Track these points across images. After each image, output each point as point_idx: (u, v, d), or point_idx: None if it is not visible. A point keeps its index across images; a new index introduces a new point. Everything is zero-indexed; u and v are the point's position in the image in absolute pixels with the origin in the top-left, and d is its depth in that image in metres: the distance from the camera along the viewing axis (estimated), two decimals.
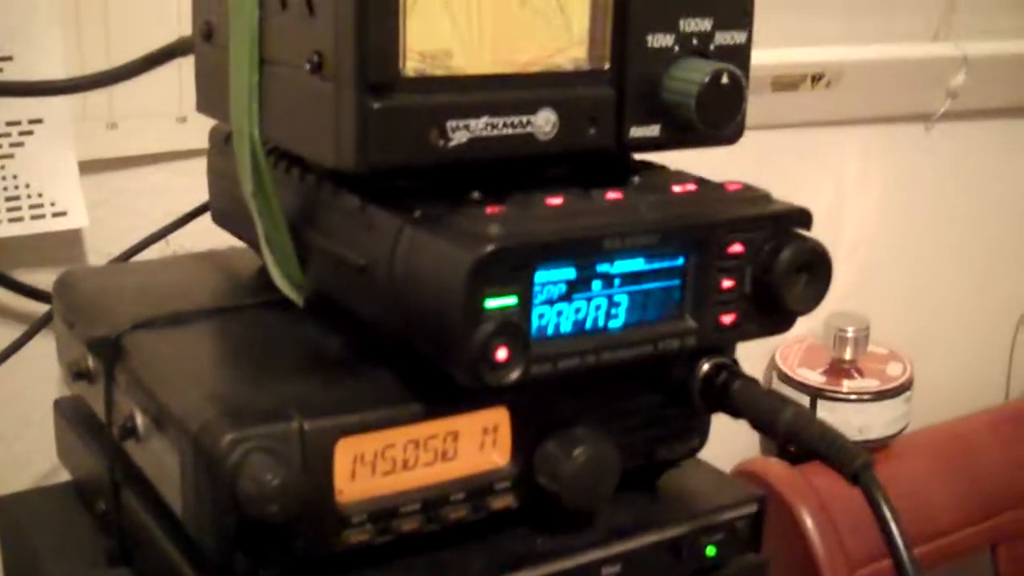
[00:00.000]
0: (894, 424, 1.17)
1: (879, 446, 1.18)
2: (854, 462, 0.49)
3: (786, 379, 1.17)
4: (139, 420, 0.55)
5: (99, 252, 0.85)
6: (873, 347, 1.21)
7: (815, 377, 1.17)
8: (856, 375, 1.18)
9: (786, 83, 1.16)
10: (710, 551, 0.60)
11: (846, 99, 1.20)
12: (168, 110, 0.85)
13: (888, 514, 0.47)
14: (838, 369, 1.19)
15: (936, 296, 1.37)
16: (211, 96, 0.63)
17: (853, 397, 1.15)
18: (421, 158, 0.50)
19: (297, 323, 0.59)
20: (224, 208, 0.67)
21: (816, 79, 1.17)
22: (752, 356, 1.18)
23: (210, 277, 0.69)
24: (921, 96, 1.27)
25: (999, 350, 1.46)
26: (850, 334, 1.18)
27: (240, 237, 0.67)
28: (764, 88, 1.14)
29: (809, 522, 1.08)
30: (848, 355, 1.19)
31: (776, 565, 1.09)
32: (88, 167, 0.83)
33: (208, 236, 0.79)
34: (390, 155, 0.50)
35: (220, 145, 0.66)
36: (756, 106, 1.12)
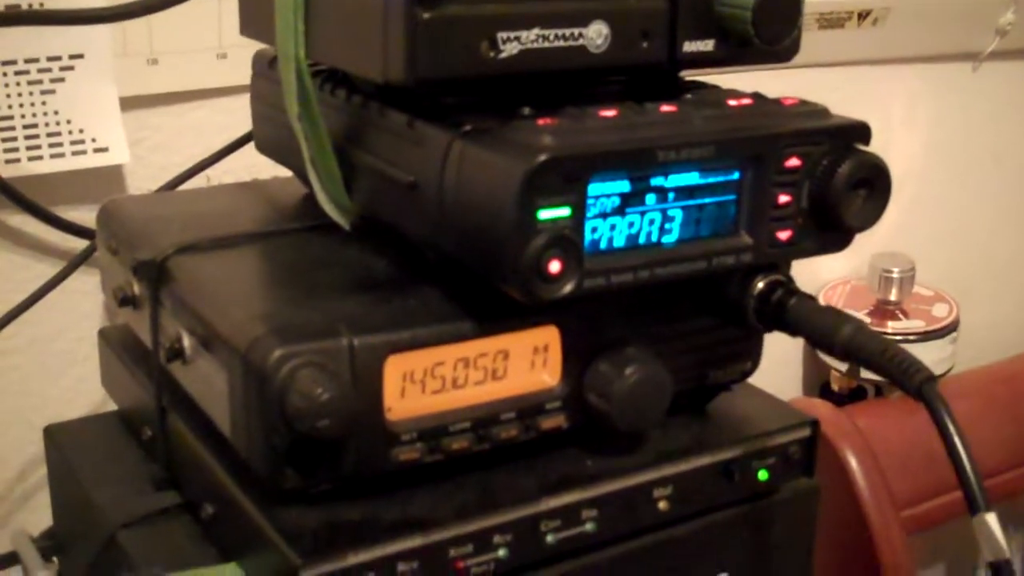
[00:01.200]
0: (940, 365, 1.16)
1: None
2: (916, 376, 0.48)
3: None
4: (186, 342, 0.55)
5: (140, 189, 0.85)
6: (918, 288, 1.20)
7: (861, 318, 1.16)
8: (901, 316, 1.17)
9: (833, 20, 1.13)
10: (762, 475, 0.59)
11: (893, 37, 1.17)
12: (208, 46, 0.84)
13: (951, 427, 0.46)
14: (883, 310, 1.17)
15: (982, 237, 1.35)
16: (255, 18, 0.62)
17: (899, 338, 1.14)
18: (472, 70, 0.49)
19: (344, 246, 0.59)
20: (268, 135, 0.67)
21: (863, 16, 1.15)
22: None
23: (255, 204, 0.69)
24: (969, 34, 1.24)
25: None
26: (895, 275, 1.17)
27: (285, 164, 0.66)
28: (811, 25, 1.12)
29: (854, 463, 1.06)
30: (893, 296, 1.17)
31: (821, 505, 1.09)
32: (129, 103, 0.83)
33: (248, 173, 0.79)
34: (440, 67, 0.49)
35: (264, 69, 0.66)
36: (803, 43, 1.11)
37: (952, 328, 1.17)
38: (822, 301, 1.16)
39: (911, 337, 1.14)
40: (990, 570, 0.46)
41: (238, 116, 0.77)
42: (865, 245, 1.24)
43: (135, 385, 0.64)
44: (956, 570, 1.38)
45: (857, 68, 1.18)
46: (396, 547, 0.50)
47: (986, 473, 1.22)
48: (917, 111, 1.25)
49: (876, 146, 1.24)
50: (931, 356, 1.15)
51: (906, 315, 1.17)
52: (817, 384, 1.23)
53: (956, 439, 0.46)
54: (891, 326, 1.15)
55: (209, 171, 0.84)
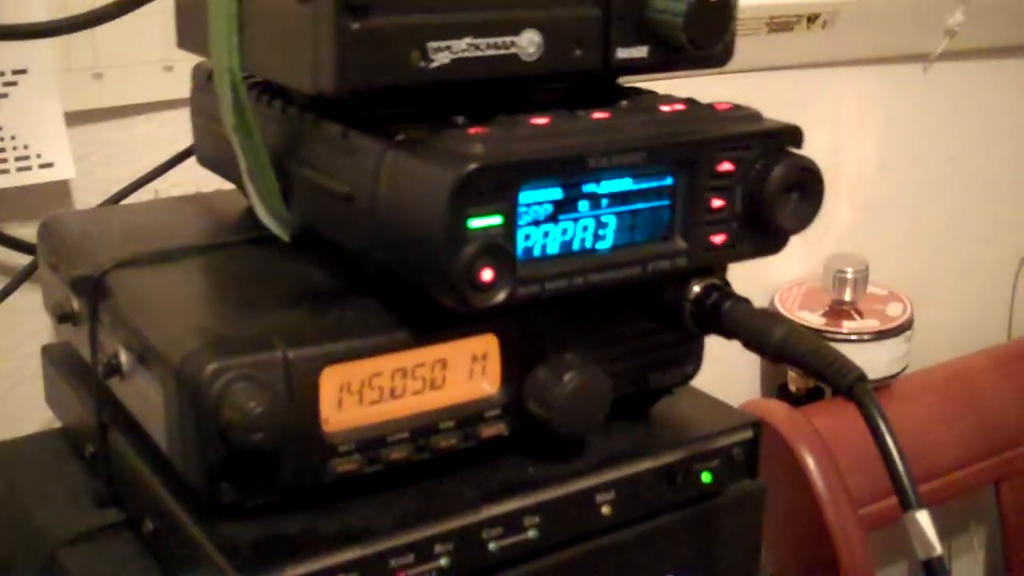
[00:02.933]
0: (895, 364, 1.17)
1: (881, 386, 1.18)
2: (848, 376, 0.48)
3: None
4: (123, 357, 0.54)
5: (87, 204, 0.84)
6: (873, 288, 1.20)
7: (815, 319, 1.16)
8: (856, 316, 1.18)
9: (782, 24, 1.14)
10: (706, 477, 0.59)
11: (842, 39, 1.18)
12: (154, 59, 0.84)
13: (883, 426, 0.46)
14: (838, 311, 1.18)
15: (936, 237, 1.36)
16: (191, 31, 0.62)
17: (853, 338, 1.15)
18: (403, 79, 0.49)
19: (283, 258, 0.59)
20: (208, 148, 0.66)
21: (812, 19, 1.15)
22: (751, 299, 1.17)
23: (196, 217, 0.68)
24: (918, 36, 1.25)
25: (1001, 290, 1.45)
26: (849, 275, 1.18)
27: (225, 176, 0.66)
28: (760, 29, 1.12)
29: (811, 462, 1.07)
30: (848, 296, 1.18)
31: (778, 505, 1.09)
32: (74, 118, 0.82)
33: (197, 187, 0.78)
34: (370, 77, 0.49)
35: (203, 82, 0.65)
36: (752, 48, 1.12)
37: (907, 327, 1.17)
38: (777, 303, 1.18)
39: (866, 337, 1.15)
40: (923, 568, 0.46)
41: (186, 129, 0.76)
42: (820, 247, 1.25)
43: (77, 402, 0.63)
44: (917, 567, 1.39)
45: (808, 71, 1.19)
46: (335, 559, 0.50)
47: (943, 470, 1.24)
48: (869, 112, 1.26)
49: (828, 148, 1.26)
50: (886, 355, 1.16)
51: (861, 315, 1.18)
52: (775, 386, 1.24)
53: (887, 437, 0.46)
54: (846, 326, 1.16)
55: (157, 185, 0.83)
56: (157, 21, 0.82)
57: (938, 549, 0.45)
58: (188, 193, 0.78)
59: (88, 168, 0.84)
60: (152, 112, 0.86)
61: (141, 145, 0.85)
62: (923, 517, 0.45)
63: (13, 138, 0.79)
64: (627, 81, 0.60)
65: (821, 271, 1.20)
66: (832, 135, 1.23)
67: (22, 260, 0.81)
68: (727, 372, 1.20)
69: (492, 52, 0.51)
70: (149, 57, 0.84)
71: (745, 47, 1.10)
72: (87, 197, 0.84)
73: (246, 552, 0.49)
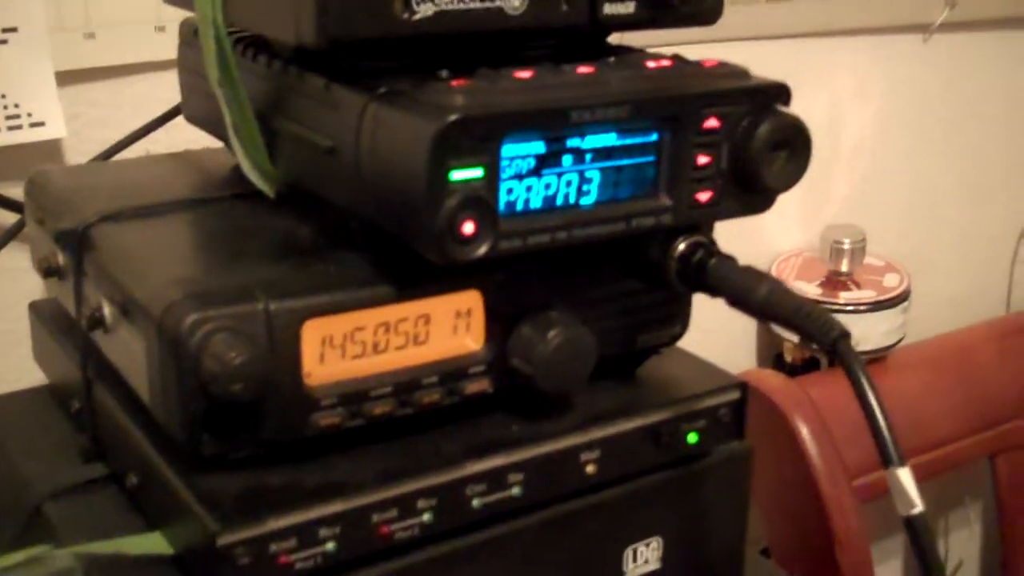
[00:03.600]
0: (891, 335, 1.17)
1: (877, 358, 1.17)
2: (831, 332, 0.48)
3: None
4: (106, 310, 0.54)
5: (77, 164, 0.84)
6: (870, 259, 1.20)
7: (811, 289, 1.16)
8: (853, 287, 1.17)
9: None
10: (692, 438, 0.59)
11: (842, 9, 1.17)
12: (146, 19, 0.84)
13: (865, 382, 0.46)
14: (835, 281, 1.18)
15: (935, 208, 1.35)
16: None
17: (849, 308, 1.14)
18: (385, 31, 0.49)
19: (268, 213, 0.58)
20: (195, 104, 0.66)
21: None
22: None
23: (183, 174, 0.68)
24: (919, 5, 1.24)
25: (1000, 262, 1.44)
26: (846, 246, 1.17)
27: (212, 133, 0.66)
28: None
29: (805, 432, 1.07)
30: (844, 267, 1.17)
31: (772, 476, 1.09)
32: (65, 78, 0.82)
33: (188, 146, 0.78)
34: (352, 28, 0.48)
35: (189, 38, 0.65)
36: (750, 16, 1.11)
37: (903, 298, 1.17)
38: (774, 273, 1.17)
39: (862, 307, 1.15)
40: (904, 525, 0.46)
41: (178, 90, 0.76)
42: (817, 217, 1.25)
43: (63, 357, 0.63)
44: None
45: (806, 40, 1.18)
46: (318, 512, 0.50)
47: (938, 442, 1.24)
48: (868, 83, 1.25)
49: (827, 118, 1.25)
50: (882, 326, 1.16)
51: (857, 285, 1.18)
52: (771, 356, 1.23)
53: (870, 393, 0.46)
54: (843, 297, 1.16)
55: (149, 145, 0.83)
56: None
57: (919, 505, 0.45)
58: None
59: (78, 128, 0.84)
60: (143, 72, 0.86)
61: (132, 105, 0.85)
62: (904, 474, 0.45)
63: (3, 96, 0.79)
64: (619, 40, 0.60)
65: (818, 241, 1.20)
66: (831, 105, 1.23)
67: (13, 219, 0.80)
68: (722, 342, 1.19)
69: (476, 5, 0.50)
70: (140, 17, 0.83)
71: (743, 15, 1.11)
72: (78, 157, 0.84)
73: (228, 505, 0.49)
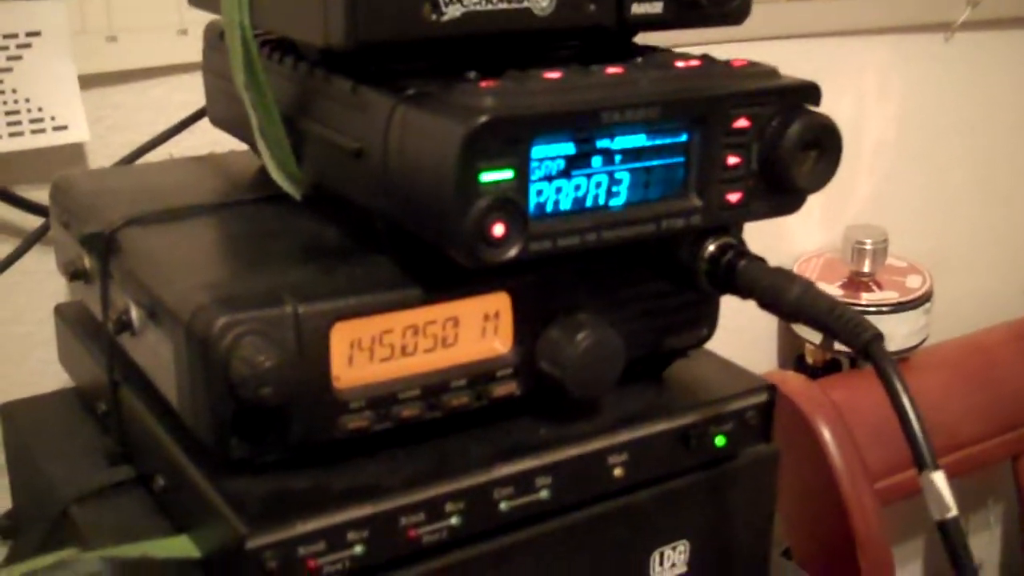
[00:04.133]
0: (914, 336, 1.16)
1: (899, 359, 1.17)
2: (864, 334, 0.48)
3: None
4: (134, 313, 0.54)
5: (100, 167, 0.84)
6: (892, 260, 1.19)
7: (834, 291, 1.15)
8: (875, 288, 1.17)
9: None
10: (720, 441, 0.59)
11: (865, 8, 1.17)
12: (168, 22, 0.84)
13: (899, 384, 0.45)
14: (857, 282, 1.17)
15: (956, 208, 1.35)
16: None
17: (872, 309, 1.14)
18: (414, 33, 0.49)
19: (295, 216, 0.58)
20: (220, 107, 0.66)
21: None
22: None
23: (208, 177, 0.68)
24: (941, 5, 1.24)
25: (1021, 262, 1.43)
26: (869, 246, 1.16)
27: (237, 136, 0.66)
28: None
29: (827, 435, 1.06)
30: (867, 268, 1.17)
31: (794, 478, 1.09)
32: (88, 81, 0.82)
33: (211, 149, 0.78)
34: (381, 30, 0.48)
35: (215, 41, 0.65)
36: (772, 16, 1.10)
37: (926, 299, 1.16)
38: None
39: (884, 308, 1.14)
40: (938, 529, 0.45)
41: (200, 93, 0.76)
42: (839, 217, 1.24)
43: (89, 360, 0.63)
44: (934, 542, 1.38)
45: (829, 39, 1.18)
46: (346, 516, 0.49)
47: (961, 444, 1.23)
48: (890, 82, 1.25)
49: (849, 118, 1.24)
50: (905, 327, 1.15)
51: (879, 286, 1.17)
52: (792, 358, 1.23)
53: (903, 396, 0.45)
54: (865, 298, 1.15)
55: (172, 148, 0.83)
56: None
57: (954, 510, 0.45)
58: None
59: (102, 131, 0.84)
60: (166, 76, 0.86)
61: (155, 108, 0.85)
62: (939, 477, 0.45)
63: (27, 100, 0.79)
64: (644, 39, 0.59)
65: (840, 242, 1.19)
66: (853, 105, 1.22)
67: (35, 222, 0.80)
68: (744, 343, 1.19)
69: (504, 5, 0.50)
70: (163, 20, 0.83)
71: (765, 15, 1.10)
72: (101, 160, 0.84)
73: (256, 508, 0.49)
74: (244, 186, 0.65)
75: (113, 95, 0.84)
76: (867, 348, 0.47)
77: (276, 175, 0.56)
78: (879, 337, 0.47)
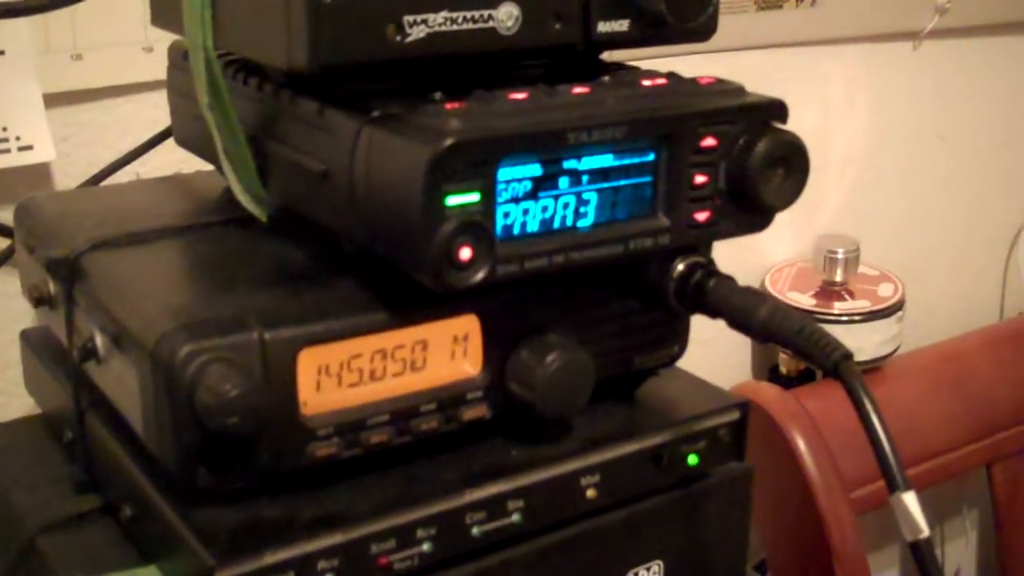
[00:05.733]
0: (886, 345, 1.16)
1: (872, 368, 1.17)
2: (833, 354, 0.48)
3: None
4: (99, 340, 0.53)
5: (66, 187, 0.83)
6: (864, 268, 1.20)
7: (805, 300, 1.16)
8: (847, 297, 1.17)
9: (770, 2, 1.13)
10: (692, 460, 0.59)
11: (832, 17, 1.17)
12: (134, 40, 0.83)
13: (869, 405, 0.45)
14: (828, 291, 1.17)
15: (927, 216, 1.35)
16: (165, 8, 0.61)
17: (844, 319, 1.14)
18: (378, 55, 0.48)
19: (261, 238, 0.58)
20: (185, 127, 0.65)
21: None
22: (742, 281, 1.17)
23: (174, 198, 0.67)
24: (908, 13, 1.24)
25: (993, 269, 1.44)
26: (840, 255, 1.17)
27: (203, 156, 0.65)
28: (748, 7, 1.11)
29: (802, 445, 1.06)
30: (838, 277, 1.17)
31: (769, 488, 1.09)
32: (53, 100, 0.81)
33: (179, 169, 0.77)
34: (344, 52, 0.48)
35: (179, 61, 0.64)
36: (740, 26, 1.10)
37: (898, 308, 1.17)
38: (768, 284, 1.17)
39: (857, 317, 1.14)
40: (910, 549, 0.45)
41: (167, 110, 0.75)
42: (810, 227, 1.24)
43: (55, 387, 0.62)
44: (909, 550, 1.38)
45: (797, 49, 1.18)
46: (315, 545, 0.49)
47: (935, 452, 1.23)
48: (859, 91, 1.25)
49: (818, 127, 1.25)
50: (877, 336, 1.16)
51: (852, 295, 1.17)
52: (766, 368, 1.23)
53: (873, 417, 0.45)
54: (837, 307, 1.15)
55: (140, 168, 0.82)
56: (136, 1, 0.81)
57: (925, 531, 0.44)
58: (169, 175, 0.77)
59: (68, 150, 0.83)
60: (132, 94, 0.85)
61: (121, 127, 0.84)
62: (910, 499, 0.45)
63: None
64: (611, 57, 0.59)
65: (811, 251, 1.19)
66: (821, 114, 1.22)
67: (3, 244, 0.79)
68: (718, 354, 1.19)
69: (469, 26, 0.50)
70: (129, 38, 0.83)
71: (733, 25, 1.10)
72: (68, 180, 0.83)
73: (224, 538, 0.48)
74: (211, 208, 0.64)
75: (79, 114, 0.84)
76: (836, 368, 0.47)
77: (242, 197, 0.55)
78: (848, 356, 0.47)
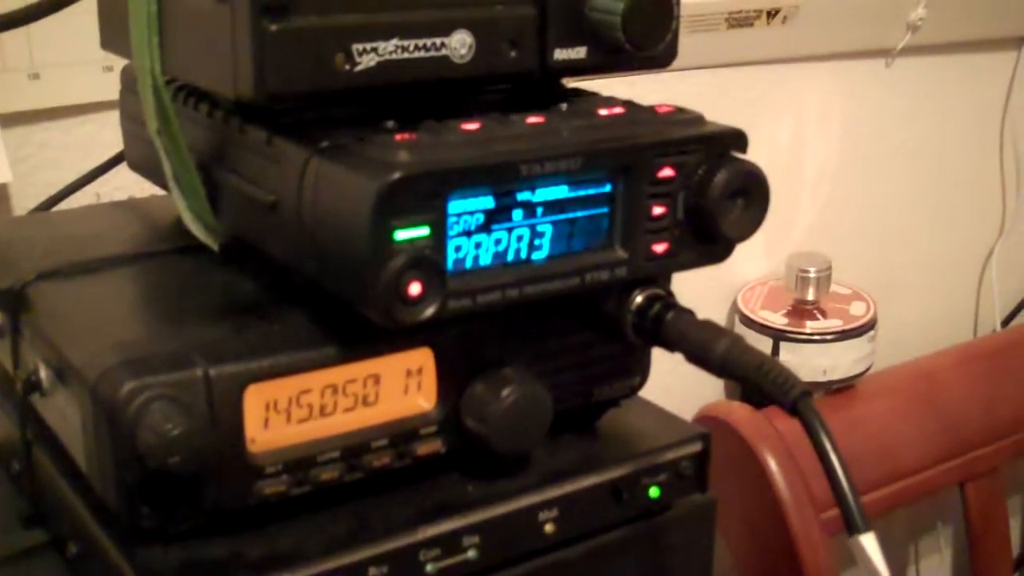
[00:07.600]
0: (859, 364, 1.15)
1: (845, 387, 1.16)
2: (792, 391, 0.47)
3: (748, 322, 1.15)
4: (43, 373, 0.52)
5: (25, 209, 0.82)
6: (836, 287, 1.19)
7: (777, 319, 1.15)
8: (819, 316, 1.16)
9: (741, 19, 1.12)
10: (653, 492, 0.58)
11: (803, 35, 1.17)
12: (92, 58, 0.82)
13: (827, 444, 0.44)
14: (800, 310, 1.16)
15: (900, 234, 1.35)
16: (114, 32, 0.60)
17: (816, 338, 1.13)
18: (327, 84, 0.47)
19: (211, 269, 0.56)
20: (137, 152, 0.64)
21: (772, 15, 1.14)
22: (714, 299, 1.16)
23: (126, 225, 0.66)
24: (880, 30, 1.24)
25: (966, 287, 1.44)
26: (812, 274, 1.16)
27: (155, 182, 0.64)
28: (719, 25, 1.10)
29: (774, 465, 1.06)
30: (810, 296, 1.16)
31: (740, 510, 1.08)
32: (10, 120, 0.80)
33: (142, 189, 0.76)
34: (292, 81, 0.46)
35: (131, 84, 0.63)
36: (711, 44, 1.10)
37: (870, 326, 1.16)
38: (740, 303, 1.16)
39: (829, 336, 1.14)
40: None
41: None
42: (782, 245, 1.23)
43: (3, 417, 0.61)
44: None
45: (769, 67, 1.17)
46: None
47: (909, 471, 1.22)
48: (831, 109, 1.25)
49: (790, 145, 1.24)
50: (851, 355, 1.15)
51: (824, 314, 1.16)
52: (738, 387, 1.22)
53: (832, 456, 0.44)
54: (809, 326, 1.15)
55: (100, 187, 0.81)
56: (94, 20, 0.80)
57: (886, 574, 0.43)
58: (131, 196, 0.76)
59: (26, 171, 0.82)
60: (92, 113, 0.84)
61: (81, 147, 0.83)
62: (869, 541, 0.44)
63: None
64: (571, 82, 0.58)
65: (783, 269, 1.19)
66: (793, 132, 1.22)
67: None
68: (689, 373, 1.18)
69: (421, 54, 0.49)
70: (87, 57, 0.81)
71: (704, 43, 1.10)
72: (26, 201, 0.82)
73: None
74: (163, 235, 0.62)
75: (37, 134, 0.82)
76: (795, 405, 0.46)
77: (192, 225, 0.54)
78: (807, 394, 0.46)
